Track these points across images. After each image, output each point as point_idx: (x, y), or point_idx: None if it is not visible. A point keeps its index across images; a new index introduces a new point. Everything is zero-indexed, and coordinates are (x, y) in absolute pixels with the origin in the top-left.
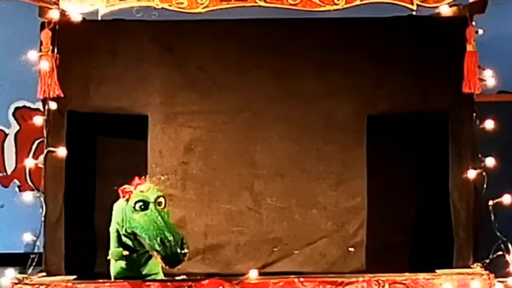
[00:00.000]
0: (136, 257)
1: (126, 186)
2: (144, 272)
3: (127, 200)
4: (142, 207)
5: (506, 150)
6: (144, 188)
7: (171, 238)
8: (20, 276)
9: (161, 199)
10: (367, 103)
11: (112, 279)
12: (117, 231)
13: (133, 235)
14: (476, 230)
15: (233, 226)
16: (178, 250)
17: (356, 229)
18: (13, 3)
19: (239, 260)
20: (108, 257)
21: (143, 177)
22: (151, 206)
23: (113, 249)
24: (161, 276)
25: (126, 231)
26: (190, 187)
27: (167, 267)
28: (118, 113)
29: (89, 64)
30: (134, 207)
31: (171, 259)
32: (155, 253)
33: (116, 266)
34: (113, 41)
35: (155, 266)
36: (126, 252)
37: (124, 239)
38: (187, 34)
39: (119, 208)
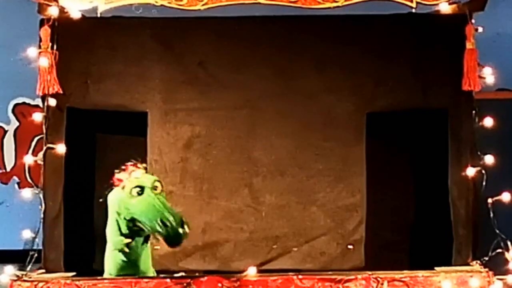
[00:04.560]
0: (135, 246)
1: (121, 174)
2: (139, 265)
3: (123, 187)
4: (139, 192)
5: (505, 147)
6: (138, 175)
7: (171, 218)
8: (19, 273)
9: (157, 183)
10: (367, 100)
11: (108, 275)
12: (117, 220)
13: (132, 222)
14: (475, 228)
15: (232, 223)
16: (180, 230)
17: (355, 226)
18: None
19: (238, 257)
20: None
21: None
22: (147, 190)
23: (115, 238)
24: (152, 272)
25: (125, 218)
26: (189, 183)
27: (169, 247)
28: (118, 109)
29: (88, 61)
30: (131, 193)
31: (174, 238)
32: (157, 234)
33: (115, 259)
34: (113, 38)
35: (147, 262)
36: (128, 240)
37: (123, 228)
38: (187, 31)
39: (115, 197)
